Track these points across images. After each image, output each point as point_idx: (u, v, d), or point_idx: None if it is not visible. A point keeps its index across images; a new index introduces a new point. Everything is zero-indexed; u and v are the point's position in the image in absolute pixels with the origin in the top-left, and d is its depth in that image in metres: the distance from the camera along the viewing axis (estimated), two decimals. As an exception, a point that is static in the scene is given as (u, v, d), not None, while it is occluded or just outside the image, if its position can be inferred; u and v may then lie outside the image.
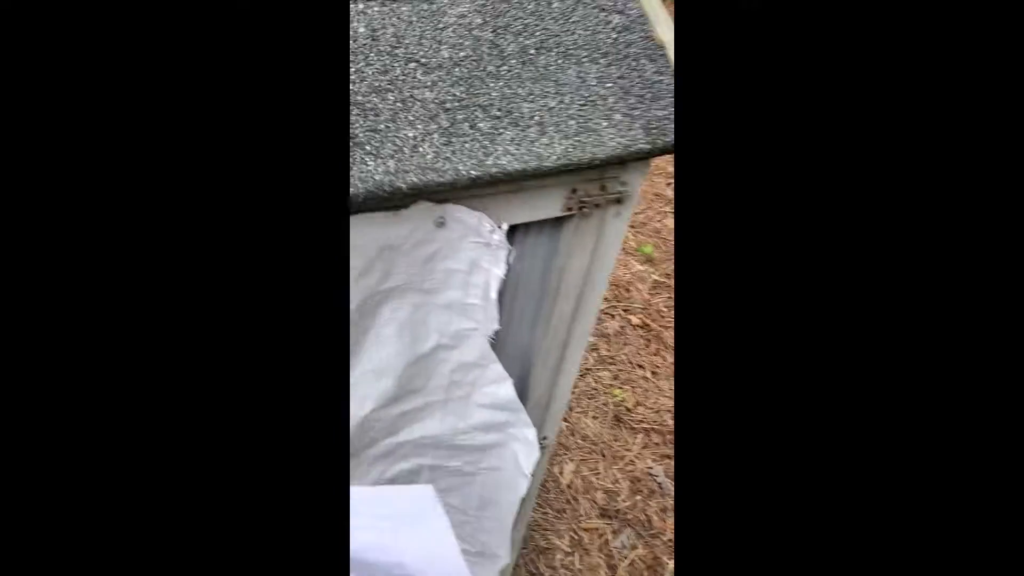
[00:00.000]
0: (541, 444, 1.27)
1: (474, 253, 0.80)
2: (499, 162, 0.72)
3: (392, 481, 1.07)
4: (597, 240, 0.94)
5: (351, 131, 0.64)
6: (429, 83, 0.70)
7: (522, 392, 1.16)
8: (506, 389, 0.97)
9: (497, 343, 1.05)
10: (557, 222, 0.91)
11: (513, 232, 0.89)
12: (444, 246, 0.79)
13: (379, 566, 0.79)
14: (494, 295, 0.83)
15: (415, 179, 0.66)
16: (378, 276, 0.76)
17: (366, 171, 0.64)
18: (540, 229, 0.91)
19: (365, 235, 0.70)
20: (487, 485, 1.14)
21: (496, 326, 0.88)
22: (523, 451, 1.05)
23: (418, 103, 0.69)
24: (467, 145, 0.70)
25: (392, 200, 0.67)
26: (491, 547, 1.23)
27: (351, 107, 0.65)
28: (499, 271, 0.81)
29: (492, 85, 0.75)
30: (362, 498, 0.76)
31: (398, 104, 0.68)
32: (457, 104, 0.71)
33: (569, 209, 0.86)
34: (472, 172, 0.70)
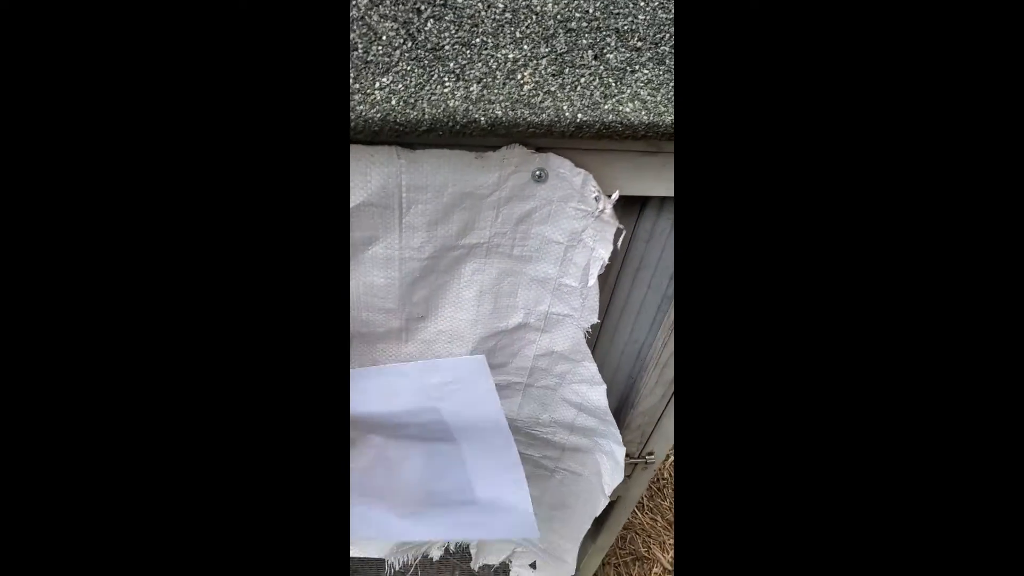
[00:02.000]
0: (646, 460, 1.08)
1: (576, 223, 0.63)
2: (621, 109, 0.53)
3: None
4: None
5: (435, 39, 0.51)
6: (556, -9, 0.53)
7: (626, 396, 0.98)
8: (598, 395, 0.81)
9: (605, 334, 0.88)
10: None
11: (643, 207, 0.70)
12: (541, 207, 0.63)
13: (423, 426, 0.85)
14: (593, 281, 0.66)
15: (499, 112, 0.51)
16: (457, 227, 0.64)
17: (440, 93, 0.51)
18: (673, 208, 0.70)
19: (438, 175, 0.58)
20: (564, 486, 1.00)
21: (595, 319, 0.71)
22: (608, 468, 0.88)
23: (533, 16, 0.53)
24: (583, 79, 0.53)
25: (465, 135, 0.53)
26: (559, 550, 1.10)
27: (445, 9, 0.51)
28: (604, 252, 0.64)
29: (644, 5, 0.55)
30: (415, 368, 0.79)
31: (507, 14, 0.52)
32: (586, 24, 0.53)
33: (722, 190, 0.63)
34: (579, 116, 0.52)
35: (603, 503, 0.91)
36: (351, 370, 0.80)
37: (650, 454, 1.08)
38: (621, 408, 1.00)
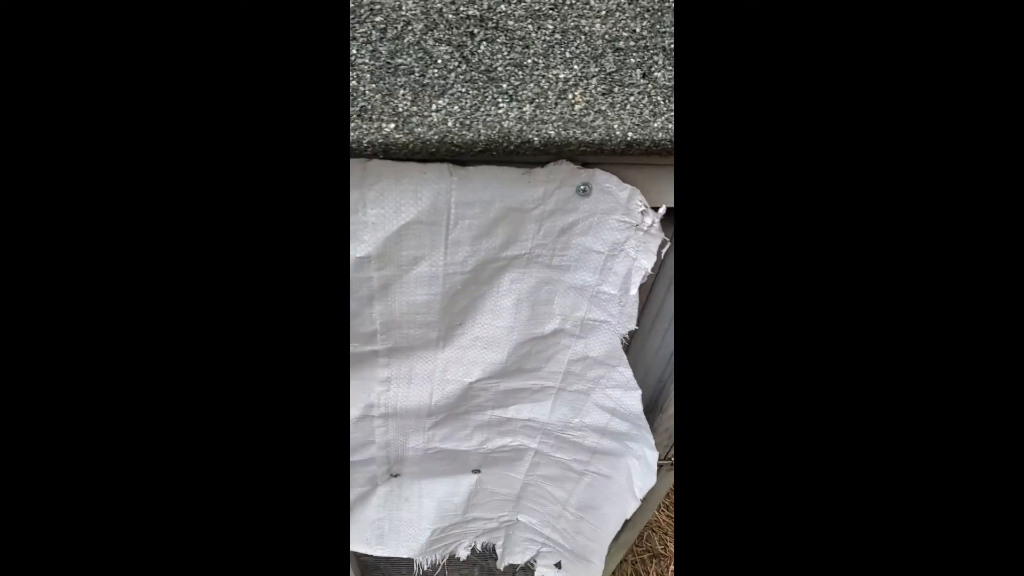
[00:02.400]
0: (671, 462, 1.10)
1: (619, 234, 0.64)
2: (670, 127, 0.54)
3: (493, 452, 1.00)
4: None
5: (488, 61, 0.52)
6: (603, 11, 0.54)
7: (654, 400, 1.00)
8: (633, 400, 0.82)
9: (644, 343, 0.89)
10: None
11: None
12: (583, 219, 0.64)
13: None
14: (635, 290, 0.68)
15: (552, 132, 0.52)
16: (501, 240, 0.65)
17: (495, 114, 0.52)
18: (716, 220, 0.71)
19: (487, 191, 0.59)
20: (593, 489, 1.01)
21: (633, 326, 0.73)
22: (639, 472, 0.90)
23: (582, 36, 0.54)
24: (632, 98, 0.54)
25: (519, 154, 0.54)
26: (585, 552, 1.11)
27: (497, 31, 0.53)
28: (646, 263, 0.65)
29: (688, 22, 0.56)
30: None
31: (556, 35, 0.54)
32: (633, 43, 0.55)
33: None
34: (630, 134, 0.54)
35: (634, 506, 0.92)
36: None
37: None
38: (650, 411, 1.01)
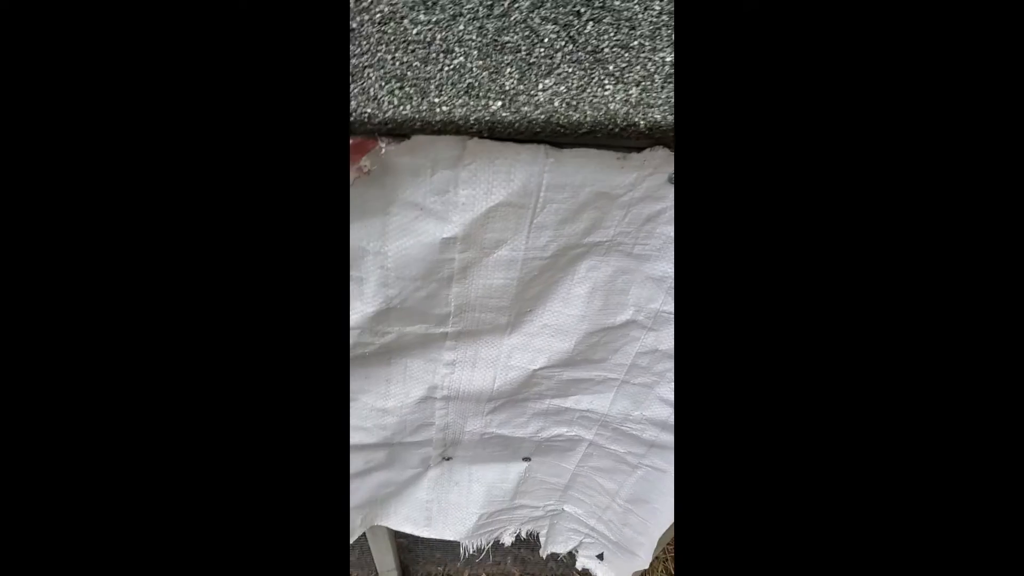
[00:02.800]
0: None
1: (707, 226, 0.63)
2: (778, 114, 0.53)
3: (547, 441, 1.00)
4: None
5: (595, 42, 0.51)
6: (712, -6, 0.53)
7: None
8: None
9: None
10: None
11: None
12: (671, 208, 0.63)
13: None
14: (717, 283, 0.66)
15: (658, 116, 0.52)
16: (584, 226, 0.64)
17: (601, 96, 0.51)
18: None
19: (579, 174, 0.58)
20: (647, 483, 1.00)
21: (708, 319, 0.71)
22: (698, 465, 0.89)
23: (690, 19, 0.53)
24: (740, 84, 0.52)
25: (623, 137, 0.53)
26: (631, 544, 1.11)
27: (603, 11, 0.52)
28: (733, 256, 0.64)
29: (798, 8, 0.54)
30: None
31: (663, 16, 0.53)
32: (742, 27, 0.53)
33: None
34: (737, 121, 0.52)
35: (691, 501, 0.92)
36: None
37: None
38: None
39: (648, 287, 0.73)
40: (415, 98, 0.50)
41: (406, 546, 1.77)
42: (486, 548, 1.19)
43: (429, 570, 1.78)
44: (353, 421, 0.91)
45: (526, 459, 1.07)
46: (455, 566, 1.79)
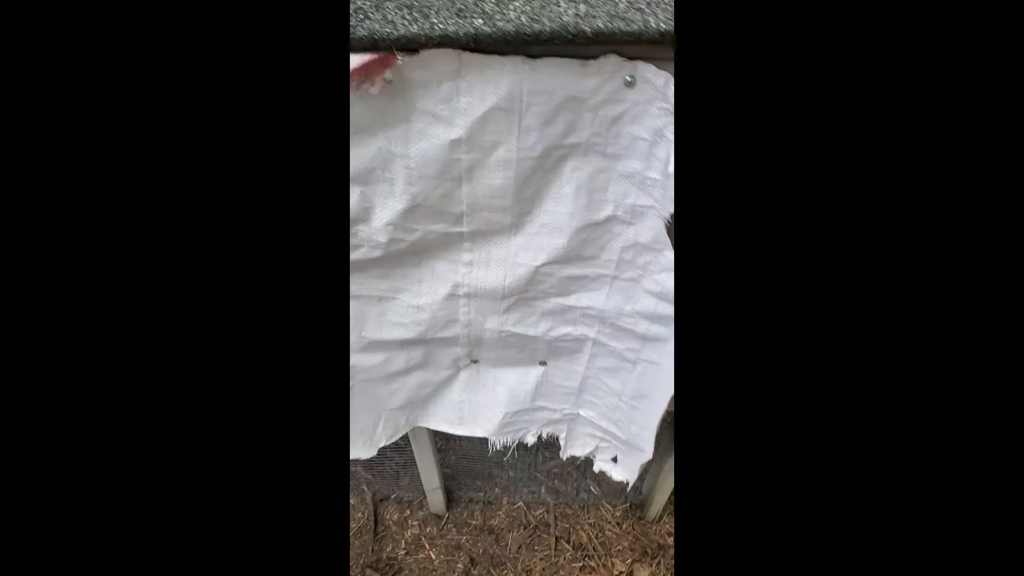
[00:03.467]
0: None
1: (659, 121, 0.79)
2: (696, 18, 0.68)
3: (557, 341, 1.17)
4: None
5: (553, -28, 0.68)
6: (646, -70, 0.69)
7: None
8: (673, 280, 0.96)
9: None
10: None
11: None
12: (631, 108, 0.79)
13: None
14: (672, 169, 0.82)
15: (601, 25, 0.68)
16: (562, 128, 0.81)
17: (556, 12, 0.68)
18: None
19: (552, 80, 0.75)
20: (644, 377, 1.16)
21: (673, 207, 0.87)
22: (681, 351, 1.03)
23: (628, -49, 0.69)
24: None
25: (575, 43, 0.70)
26: (638, 440, 1.26)
27: (561, -51, 0.69)
28: (681, 144, 0.79)
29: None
30: None
31: (607, -50, 0.69)
32: (670, -46, 0.69)
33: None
34: (662, 26, 0.68)
35: (677, 383, 1.06)
36: None
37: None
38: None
39: (623, 184, 0.88)
40: (420, 20, 0.68)
41: (450, 474, 1.98)
42: (512, 447, 1.37)
43: (471, 495, 1.98)
44: (394, 318, 1.11)
45: (542, 363, 1.24)
46: (494, 493, 1.98)
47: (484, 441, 1.35)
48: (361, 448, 1.32)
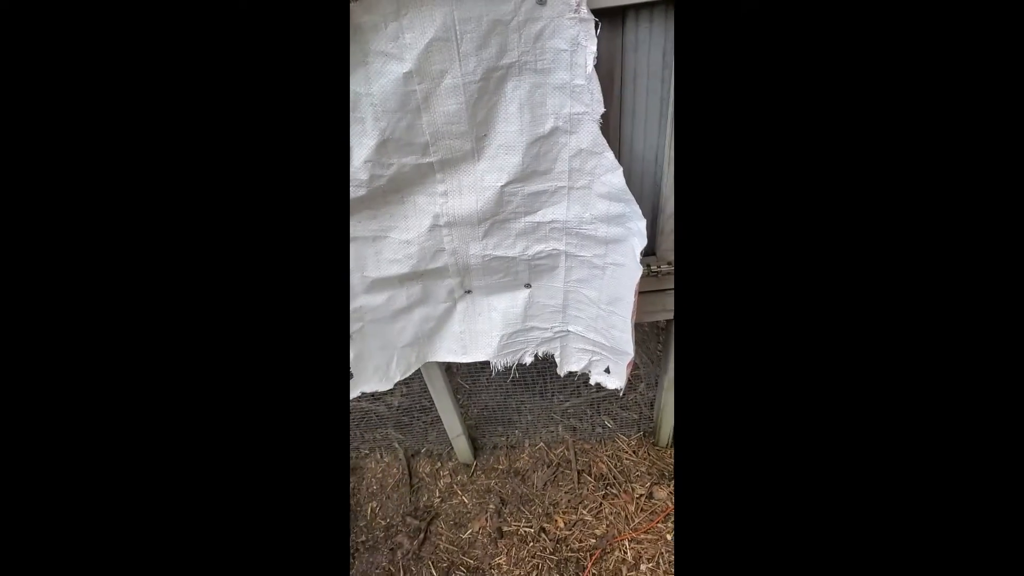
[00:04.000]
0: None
1: (573, 31, 0.93)
2: (579, -68, 0.82)
3: (534, 260, 1.31)
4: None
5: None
6: None
7: (655, 203, 1.25)
8: (618, 177, 1.09)
9: (624, 145, 1.16)
10: (668, 10, 0.96)
11: (624, 20, 0.98)
12: (548, 24, 0.93)
13: None
14: (591, 69, 0.95)
15: (502, -51, 0.83)
16: (495, 50, 0.96)
17: (466, -55, 0.83)
18: (651, 17, 0.97)
19: (476, 7, 0.90)
20: (615, 280, 1.29)
21: (601, 108, 1.00)
22: (638, 244, 1.16)
23: None
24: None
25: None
26: (621, 343, 1.39)
27: None
28: (592, 46, 0.93)
29: None
30: None
31: None
32: None
33: (672, -10, 0.90)
34: (553, -58, 0.82)
35: (639, 272, 1.18)
36: None
37: (688, 261, 1.34)
38: (655, 216, 1.27)
39: (557, 96, 1.03)
40: (359, -31, 0.85)
41: (473, 425, 2.13)
42: (513, 366, 1.51)
43: (495, 441, 2.12)
44: (389, 255, 1.27)
45: (527, 285, 1.38)
46: (516, 436, 2.12)
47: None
48: (378, 383, 1.48)
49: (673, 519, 1.87)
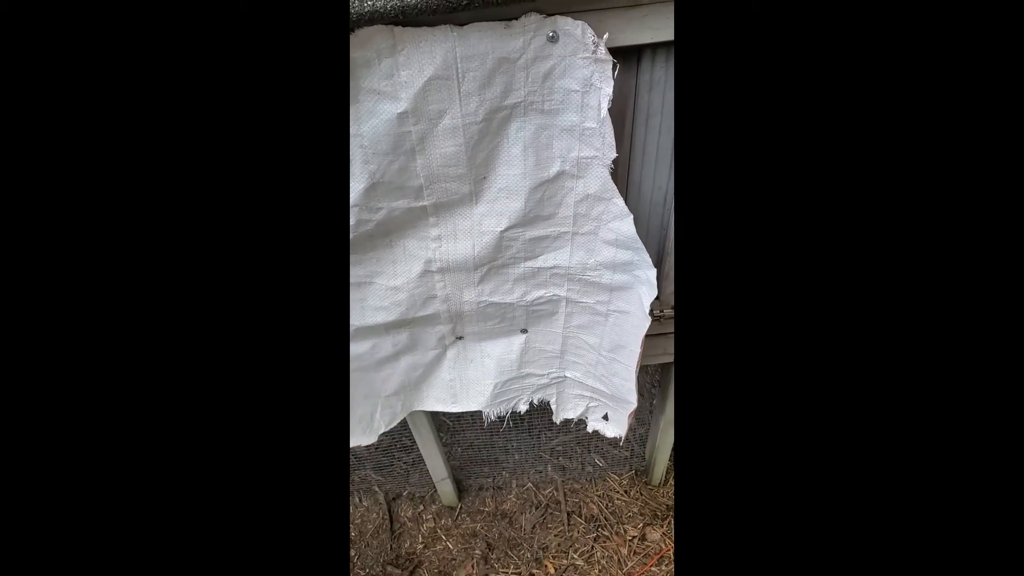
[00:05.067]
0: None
1: (586, 70, 0.85)
2: (600, -33, 0.74)
3: (533, 306, 1.22)
4: (736, 71, 0.89)
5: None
6: None
7: (662, 245, 1.18)
8: (628, 225, 1.02)
9: (632, 186, 1.08)
10: (689, 50, 0.89)
11: (639, 59, 0.91)
12: (559, 63, 0.85)
13: None
14: (604, 113, 0.88)
15: (512, -17, 0.74)
16: (500, 90, 0.87)
17: (471, -23, 0.75)
18: (668, 57, 0.90)
19: (481, 44, 0.82)
20: (618, 328, 1.21)
21: (613, 153, 0.93)
22: (646, 293, 1.09)
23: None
24: (571, -48, 0.75)
25: (496, 3, 0.76)
26: (622, 391, 1.31)
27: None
28: (608, 88, 0.85)
29: None
30: None
31: (513, -82, 0.76)
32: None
33: (694, 30, 0.83)
34: (571, -23, 0.74)
35: (647, 324, 1.11)
36: None
37: (693, 304, 1.27)
38: (660, 258, 1.19)
39: (565, 138, 0.95)
40: (354, 1, 0.75)
41: (458, 466, 2.02)
42: (507, 415, 1.41)
43: (481, 482, 2.02)
44: (374, 303, 1.16)
45: (523, 331, 1.29)
46: (503, 477, 2.02)
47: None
48: (361, 435, 1.37)
49: (667, 562, 1.80)
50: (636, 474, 1.98)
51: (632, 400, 1.29)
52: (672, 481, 1.96)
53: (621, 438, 1.40)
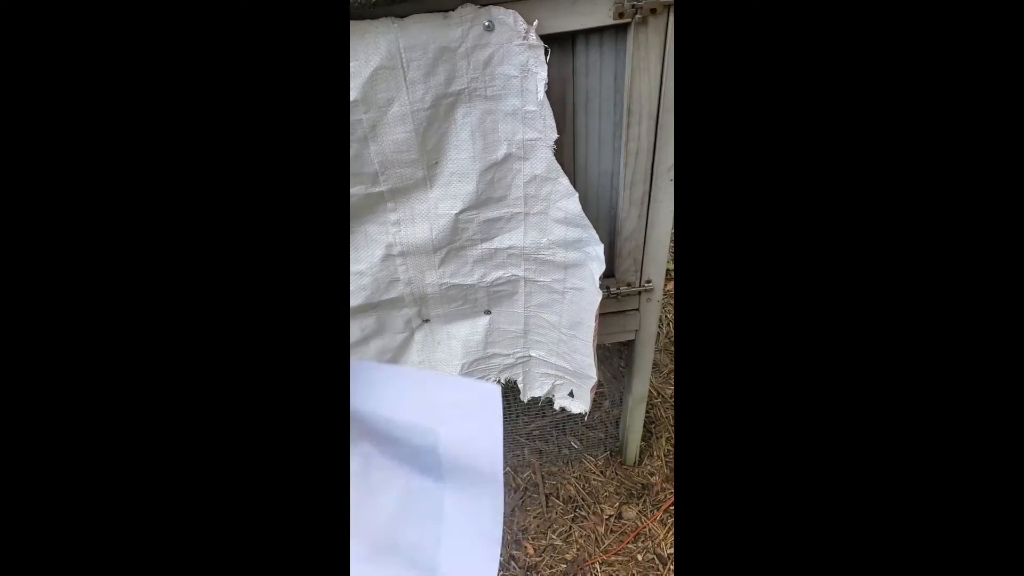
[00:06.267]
0: (646, 288, 1.33)
1: (522, 56, 0.91)
2: (525, -41, 0.81)
3: (494, 287, 1.28)
4: (664, 54, 0.95)
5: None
6: None
7: (612, 227, 1.24)
8: (574, 203, 1.08)
9: (579, 171, 1.14)
10: (619, 34, 0.95)
11: (573, 45, 0.97)
12: (497, 50, 0.91)
13: (415, 449, 0.82)
14: (542, 96, 0.94)
15: (446, -24, 0.80)
16: (444, 77, 0.93)
17: (409, -29, 0.81)
18: (601, 41, 0.96)
19: (422, 34, 0.88)
20: (575, 304, 1.27)
21: (555, 134, 0.99)
22: (597, 269, 1.14)
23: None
24: (498, -54, 0.81)
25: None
26: (584, 367, 1.37)
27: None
28: (543, 73, 0.91)
29: None
30: (428, 378, 0.81)
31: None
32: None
33: (621, 15, 0.90)
34: (499, -31, 0.81)
35: (599, 297, 1.17)
36: (362, 361, 0.82)
37: (648, 281, 1.33)
38: (613, 239, 1.26)
39: (509, 122, 1.01)
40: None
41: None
42: (474, 396, 1.47)
43: (460, 469, 2.07)
44: (340, 287, 1.22)
45: (487, 312, 1.35)
46: (482, 463, 2.07)
47: None
48: (335, 419, 1.41)
49: (643, 539, 1.86)
50: (611, 454, 2.04)
51: (592, 375, 1.34)
52: (646, 461, 2.02)
53: (586, 413, 1.45)
